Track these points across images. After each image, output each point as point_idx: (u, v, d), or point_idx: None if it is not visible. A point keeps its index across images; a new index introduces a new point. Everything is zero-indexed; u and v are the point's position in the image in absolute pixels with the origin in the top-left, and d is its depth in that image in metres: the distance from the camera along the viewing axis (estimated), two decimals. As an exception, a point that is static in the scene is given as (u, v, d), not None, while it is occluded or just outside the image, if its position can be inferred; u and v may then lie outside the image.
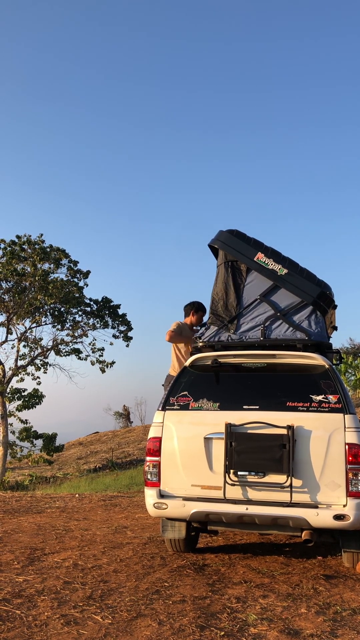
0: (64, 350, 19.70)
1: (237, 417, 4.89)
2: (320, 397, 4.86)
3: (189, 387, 5.22)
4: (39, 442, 19.68)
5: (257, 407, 4.94)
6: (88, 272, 19.42)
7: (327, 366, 5.05)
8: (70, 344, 19.79)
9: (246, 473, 4.77)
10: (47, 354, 19.60)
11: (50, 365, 19.66)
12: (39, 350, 19.46)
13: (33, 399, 18.74)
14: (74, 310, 19.50)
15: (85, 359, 19.84)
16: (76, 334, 19.76)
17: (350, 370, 22.81)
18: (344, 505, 4.57)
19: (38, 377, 19.25)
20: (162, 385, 6.59)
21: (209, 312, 5.80)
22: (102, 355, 19.80)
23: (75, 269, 19.12)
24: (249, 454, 4.74)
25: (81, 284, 19.19)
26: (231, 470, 4.78)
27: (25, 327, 19.31)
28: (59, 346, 19.60)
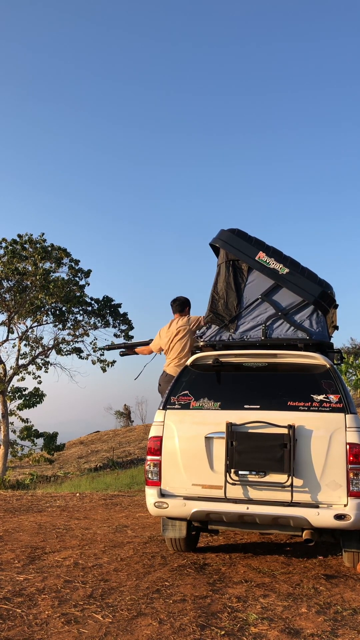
0: (65, 350, 19.70)
1: (238, 416, 4.89)
2: (321, 397, 4.86)
3: (190, 387, 5.22)
4: (40, 441, 19.68)
5: (258, 406, 4.94)
6: (89, 271, 19.41)
7: (328, 366, 5.05)
8: (71, 343, 19.79)
9: (247, 472, 4.77)
10: (48, 353, 19.60)
11: (51, 364, 19.66)
12: (40, 350, 19.45)
13: (34, 398, 18.74)
14: (75, 310, 19.49)
15: (86, 358, 19.85)
16: (77, 333, 19.75)
17: (351, 370, 22.81)
18: (345, 505, 4.57)
19: (39, 376, 19.25)
20: (160, 384, 6.54)
21: (209, 311, 5.77)
22: (103, 355, 19.80)
23: (77, 268, 19.11)
24: (250, 454, 4.74)
25: (82, 283, 19.19)
26: (232, 470, 4.78)
27: (27, 326, 19.31)
28: (60, 345, 19.59)
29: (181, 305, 6.71)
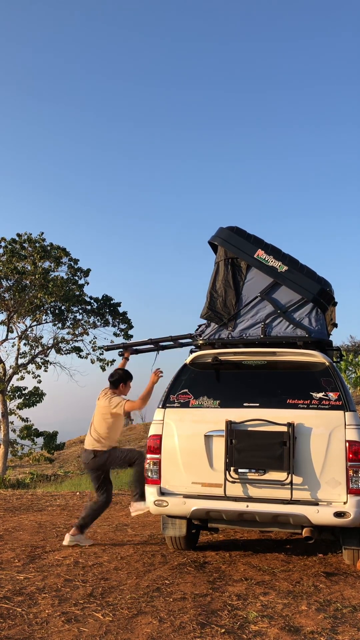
0: (64, 349, 19.70)
1: (238, 414, 4.89)
2: (320, 395, 4.86)
3: (190, 385, 5.22)
4: (40, 440, 19.70)
5: (258, 404, 4.94)
6: (88, 271, 19.41)
7: (327, 363, 5.05)
8: (71, 342, 19.79)
9: (247, 470, 4.77)
10: (48, 352, 19.60)
11: (50, 363, 19.65)
12: (40, 349, 19.45)
13: (34, 397, 18.75)
14: (75, 309, 19.49)
15: (86, 357, 19.84)
16: (77, 332, 19.75)
17: (350, 368, 22.81)
18: (345, 503, 4.57)
19: (39, 376, 19.25)
20: (84, 460, 6.09)
21: (207, 309, 5.74)
22: (102, 354, 19.80)
23: (76, 267, 19.11)
24: (249, 452, 4.74)
25: (81, 282, 19.19)
26: (232, 468, 4.78)
27: (26, 326, 19.32)
28: (60, 344, 19.59)
29: (114, 383, 6.11)
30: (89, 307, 19.63)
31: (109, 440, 5.95)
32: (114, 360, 19.80)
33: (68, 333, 19.81)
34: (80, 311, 19.70)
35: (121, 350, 7.08)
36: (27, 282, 18.08)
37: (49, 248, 18.70)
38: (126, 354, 6.62)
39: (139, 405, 5.89)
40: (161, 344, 6.60)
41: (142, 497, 5.61)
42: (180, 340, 6.52)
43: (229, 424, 4.82)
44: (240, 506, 4.75)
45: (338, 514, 4.52)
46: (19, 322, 19.14)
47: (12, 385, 18.74)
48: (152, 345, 6.66)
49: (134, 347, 6.94)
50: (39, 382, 19.13)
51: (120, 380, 6.12)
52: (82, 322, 19.76)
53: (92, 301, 19.64)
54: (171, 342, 6.60)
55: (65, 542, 5.84)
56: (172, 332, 6.62)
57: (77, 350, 19.69)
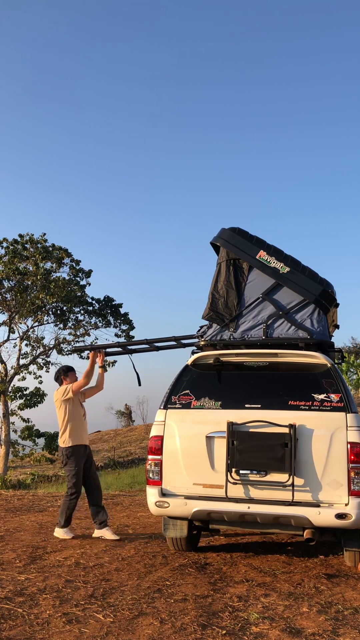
0: (66, 349, 19.70)
1: (239, 415, 4.89)
2: (322, 396, 4.86)
3: (191, 386, 5.22)
4: (41, 441, 19.70)
5: (259, 405, 4.94)
6: (90, 271, 19.44)
7: (329, 365, 5.05)
8: (72, 343, 19.79)
9: (248, 472, 4.77)
10: (49, 352, 19.61)
11: (52, 364, 19.64)
12: (41, 349, 19.45)
13: (35, 398, 18.75)
14: (76, 309, 19.50)
15: (87, 358, 19.80)
16: (78, 333, 19.75)
17: (352, 369, 22.81)
18: (346, 504, 4.56)
19: (40, 376, 19.26)
20: (62, 460, 6.46)
21: (209, 310, 5.74)
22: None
23: (77, 268, 19.13)
24: (251, 453, 4.74)
25: (83, 282, 19.21)
26: (233, 469, 4.78)
27: (27, 326, 19.32)
28: (61, 345, 19.60)
29: (57, 380, 6.61)
30: (90, 308, 19.65)
31: (71, 434, 6.21)
32: (115, 361, 19.80)
33: (69, 334, 19.82)
34: (82, 312, 19.71)
35: (89, 351, 6.91)
36: (29, 282, 18.09)
37: (50, 249, 18.73)
38: (99, 360, 6.49)
39: (83, 382, 6.30)
40: (157, 344, 6.61)
41: (61, 524, 6.28)
42: (182, 341, 6.52)
43: (231, 425, 4.82)
44: (242, 507, 4.75)
45: (339, 516, 4.52)
46: (21, 323, 19.15)
47: (14, 385, 18.75)
48: (147, 346, 6.67)
49: (130, 348, 6.90)
50: (40, 382, 19.14)
51: (60, 375, 6.53)
52: (84, 322, 19.77)
53: (93, 302, 19.66)
54: (174, 342, 6.60)
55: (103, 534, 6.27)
56: (173, 331, 6.63)
57: (79, 351, 19.68)
